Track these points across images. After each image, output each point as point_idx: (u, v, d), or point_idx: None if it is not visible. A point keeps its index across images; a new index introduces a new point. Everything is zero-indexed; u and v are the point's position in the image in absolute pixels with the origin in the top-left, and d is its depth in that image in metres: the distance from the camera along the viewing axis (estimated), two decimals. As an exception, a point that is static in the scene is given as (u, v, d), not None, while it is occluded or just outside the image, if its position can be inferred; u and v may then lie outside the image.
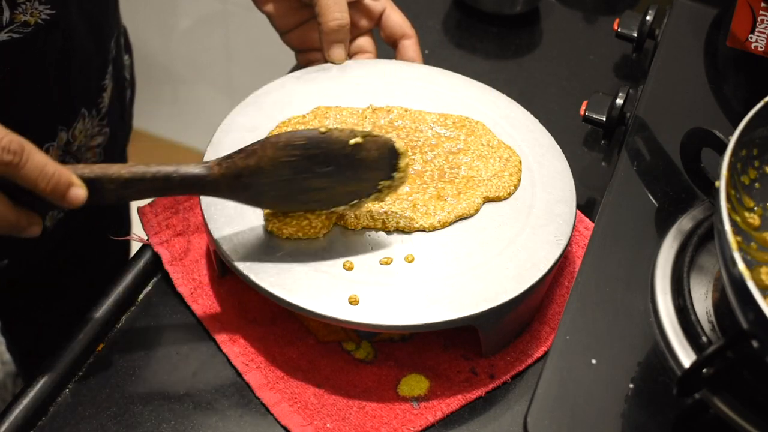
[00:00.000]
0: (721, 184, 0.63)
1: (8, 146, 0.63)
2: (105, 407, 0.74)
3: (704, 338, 0.67)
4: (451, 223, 0.77)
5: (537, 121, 0.87)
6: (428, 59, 0.99)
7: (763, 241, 0.70)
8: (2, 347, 1.76)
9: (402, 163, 0.73)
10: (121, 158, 1.16)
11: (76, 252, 1.10)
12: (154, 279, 0.82)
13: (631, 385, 0.67)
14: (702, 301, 0.71)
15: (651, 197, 0.79)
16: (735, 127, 0.67)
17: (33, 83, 0.87)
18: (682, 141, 0.76)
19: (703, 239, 0.74)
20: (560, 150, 0.84)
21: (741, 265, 0.58)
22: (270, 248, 0.74)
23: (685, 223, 0.76)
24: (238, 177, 0.71)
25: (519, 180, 0.81)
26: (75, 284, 1.11)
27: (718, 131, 0.73)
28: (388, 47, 0.93)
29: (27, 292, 1.13)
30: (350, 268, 0.73)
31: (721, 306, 0.70)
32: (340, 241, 0.75)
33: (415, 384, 0.75)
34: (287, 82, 0.87)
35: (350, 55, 0.91)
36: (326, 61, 0.89)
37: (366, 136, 0.71)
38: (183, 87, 2.22)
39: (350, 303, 0.71)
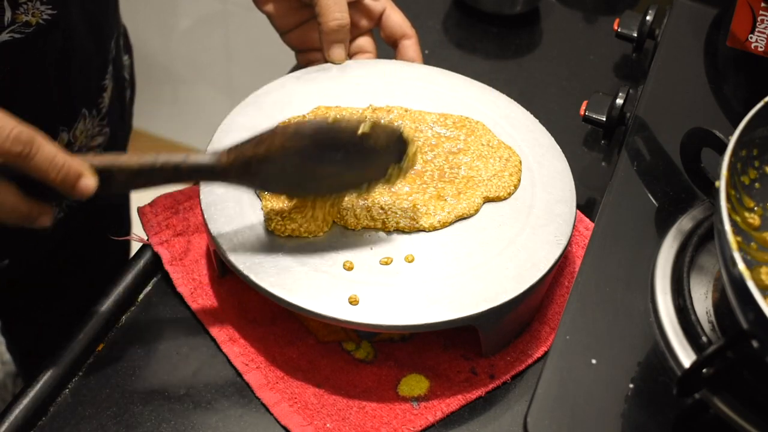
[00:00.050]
0: (721, 184, 0.63)
1: (18, 137, 0.63)
2: (105, 407, 0.74)
3: (704, 338, 0.67)
4: (451, 223, 0.77)
5: (537, 121, 0.87)
6: (428, 59, 0.99)
7: (763, 241, 0.70)
8: (2, 347, 1.76)
9: (410, 150, 0.74)
10: (122, 158, 1.16)
11: (76, 252, 1.10)
12: (154, 279, 0.82)
13: (631, 385, 0.67)
14: (702, 301, 0.71)
15: (651, 197, 0.79)
16: (735, 127, 0.67)
17: (33, 83, 0.87)
18: (682, 141, 0.76)
19: (703, 239, 0.74)
20: (560, 150, 0.84)
21: (741, 265, 0.58)
22: (270, 248, 0.74)
23: (685, 223, 0.76)
24: (247, 165, 0.72)
25: (519, 180, 0.81)
26: (75, 284, 1.11)
27: (718, 131, 0.73)
28: (388, 47, 0.93)
29: (27, 292, 1.13)
30: (350, 268, 0.74)
31: (721, 306, 0.70)
32: (340, 241, 0.75)
33: (415, 384, 0.75)
34: (287, 82, 0.88)
35: (350, 55, 0.91)
36: (326, 61, 0.89)
37: (374, 124, 0.72)
38: (183, 87, 2.22)
39: (350, 303, 0.71)
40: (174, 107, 2.25)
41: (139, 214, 0.84)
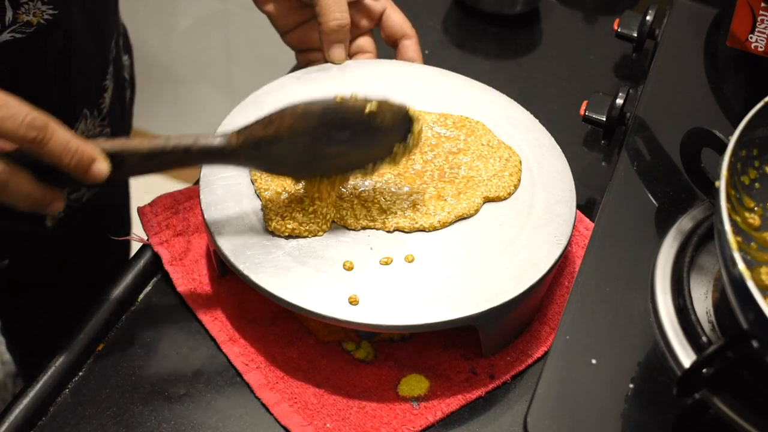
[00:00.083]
0: (721, 184, 0.63)
1: (33, 123, 0.64)
2: (105, 407, 0.74)
3: (704, 338, 0.67)
4: (451, 223, 0.77)
5: (537, 121, 0.87)
6: (428, 59, 0.99)
7: (763, 241, 0.70)
8: (2, 347, 1.76)
9: (416, 127, 0.74)
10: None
11: (76, 252, 1.10)
12: (154, 279, 0.82)
13: (631, 385, 0.67)
14: (702, 301, 0.71)
15: (651, 197, 0.79)
16: (735, 127, 0.67)
17: (34, 83, 0.87)
18: (682, 141, 0.76)
19: (703, 239, 0.74)
20: (560, 150, 0.84)
21: (741, 265, 0.58)
22: (270, 248, 0.74)
23: (685, 223, 0.76)
24: (256, 146, 0.72)
25: (519, 180, 0.81)
26: (75, 284, 1.11)
27: (718, 131, 0.73)
28: (388, 47, 0.93)
29: (27, 292, 1.13)
30: (350, 268, 0.74)
31: (721, 306, 0.70)
32: (340, 241, 0.75)
33: (415, 384, 0.75)
34: (287, 82, 0.88)
35: (350, 55, 0.91)
36: (326, 61, 0.89)
37: (381, 102, 0.73)
38: (183, 87, 2.22)
39: (350, 303, 0.71)
40: (174, 107, 2.25)
41: (139, 214, 0.84)
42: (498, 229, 0.77)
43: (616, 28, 1.00)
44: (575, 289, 0.73)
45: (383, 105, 0.73)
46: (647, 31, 0.99)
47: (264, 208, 0.76)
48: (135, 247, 0.86)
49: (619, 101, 0.90)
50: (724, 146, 0.66)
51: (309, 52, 0.93)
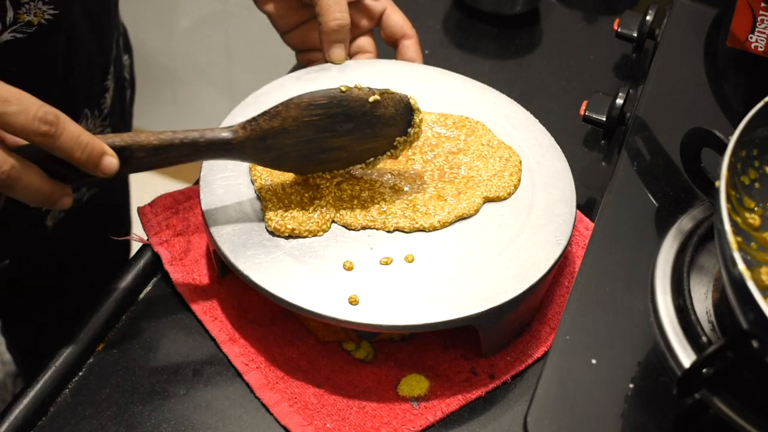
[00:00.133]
0: (721, 184, 0.63)
1: (44, 117, 0.64)
2: (105, 407, 0.74)
3: (704, 338, 0.67)
4: (451, 223, 0.77)
5: (537, 121, 0.87)
6: (428, 59, 0.99)
7: (763, 241, 0.70)
8: (2, 347, 1.76)
9: (416, 119, 0.76)
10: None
11: (76, 252, 1.10)
12: (154, 279, 0.82)
13: (631, 385, 0.67)
14: (702, 301, 0.71)
15: (651, 197, 0.79)
16: (735, 127, 0.67)
17: (36, 83, 0.87)
18: (682, 141, 0.76)
19: (703, 239, 0.74)
20: (560, 150, 0.85)
21: (741, 265, 0.58)
22: (270, 248, 0.74)
23: (685, 223, 0.76)
24: (262, 139, 0.73)
25: (519, 180, 0.81)
26: (75, 284, 1.11)
27: (718, 131, 0.73)
28: (388, 47, 0.93)
29: (27, 292, 1.13)
30: (350, 268, 0.74)
31: (721, 306, 0.70)
32: (340, 241, 0.75)
33: (415, 384, 0.75)
34: (287, 82, 0.88)
35: (350, 55, 0.92)
36: (326, 61, 0.89)
37: (384, 92, 0.74)
38: (183, 87, 2.22)
39: (350, 303, 0.71)
40: (174, 107, 2.25)
41: (139, 214, 0.84)
42: (498, 229, 0.77)
43: (616, 28, 1.00)
44: (575, 289, 0.73)
45: (386, 95, 0.75)
46: (647, 31, 0.99)
47: (264, 208, 0.76)
48: (135, 247, 0.86)
49: (619, 101, 0.90)
50: (724, 146, 0.66)
51: (309, 52, 0.93)
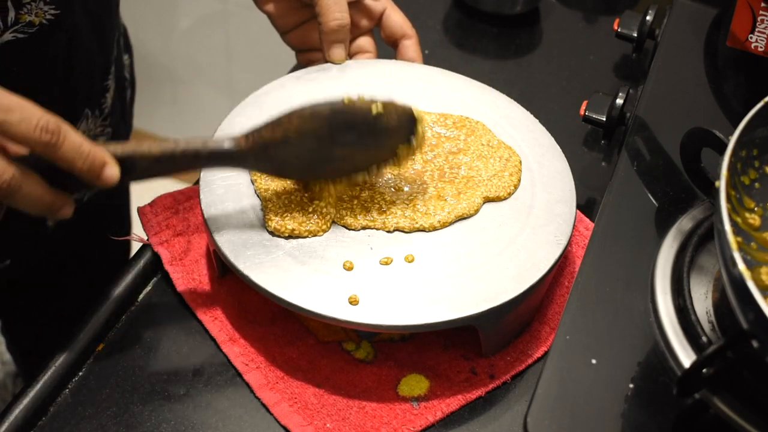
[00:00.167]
0: (721, 184, 0.63)
1: (46, 126, 0.64)
2: (105, 407, 0.74)
3: (704, 338, 0.67)
4: (451, 223, 0.77)
5: (537, 121, 0.87)
6: (428, 59, 0.99)
7: (763, 241, 0.70)
8: (2, 347, 1.76)
9: (419, 128, 0.75)
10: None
11: (76, 252, 1.10)
12: (154, 279, 0.82)
13: (631, 385, 0.67)
14: (702, 301, 0.71)
15: (651, 197, 0.79)
16: (735, 127, 0.67)
17: (37, 83, 0.87)
18: (682, 141, 0.76)
19: (703, 239, 0.74)
20: (560, 150, 0.84)
21: (741, 265, 0.58)
22: (270, 248, 0.74)
23: (685, 223, 0.76)
24: (264, 149, 0.73)
25: (519, 180, 0.81)
26: (75, 284, 1.11)
27: (718, 131, 0.73)
28: (388, 47, 0.93)
29: (27, 292, 1.13)
30: (350, 268, 0.74)
31: (721, 306, 0.70)
32: (340, 241, 0.75)
33: (415, 384, 0.75)
34: (287, 82, 0.88)
35: (350, 55, 0.91)
36: (326, 61, 0.89)
37: (387, 104, 0.74)
38: (183, 87, 2.22)
39: (350, 303, 0.71)
40: (174, 107, 2.25)
41: (139, 214, 0.84)
42: (498, 229, 0.77)
43: (616, 28, 1.00)
44: (575, 289, 0.73)
45: (389, 106, 0.74)
46: (647, 31, 0.99)
47: (264, 208, 0.76)
48: (135, 247, 0.86)
49: (619, 101, 0.90)
50: (724, 146, 0.66)
51: (309, 52, 0.93)
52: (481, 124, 0.84)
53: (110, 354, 0.77)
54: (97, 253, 1.10)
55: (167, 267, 0.81)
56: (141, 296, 0.81)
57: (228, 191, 0.78)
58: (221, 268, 0.79)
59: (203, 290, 0.80)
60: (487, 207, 0.79)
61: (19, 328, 1.27)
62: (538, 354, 0.78)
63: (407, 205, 0.77)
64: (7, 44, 0.81)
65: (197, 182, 0.81)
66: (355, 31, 0.91)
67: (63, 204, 0.69)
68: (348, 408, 0.74)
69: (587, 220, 0.87)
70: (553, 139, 0.85)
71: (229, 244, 0.74)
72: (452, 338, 0.78)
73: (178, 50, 2.15)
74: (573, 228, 0.78)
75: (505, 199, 0.79)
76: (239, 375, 0.75)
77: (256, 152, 0.73)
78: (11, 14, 0.79)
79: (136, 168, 0.70)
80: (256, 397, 0.74)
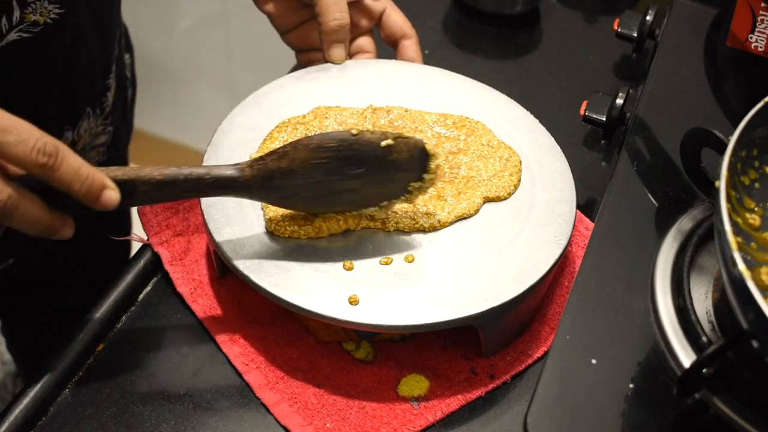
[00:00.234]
0: (721, 185, 0.63)
1: (43, 148, 0.63)
2: (105, 407, 0.74)
3: (704, 338, 0.67)
4: (451, 223, 0.77)
5: (537, 121, 0.87)
6: (428, 59, 0.99)
7: (763, 241, 0.70)
8: (2, 347, 1.76)
9: (433, 164, 0.73)
10: (124, 157, 1.16)
11: (76, 252, 1.10)
12: (154, 279, 0.82)
13: (631, 385, 0.67)
14: (702, 301, 0.71)
15: (651, 197, 0.79)
16: (735, 127, 0.67)
17: (40, 83, 0.88)
18: (682, 141, 0.76)
19: (703, 239, 0.74)
20: (560, 150, 0.84)
21: (741, 265, 0.58)
22: (270, 248, 0.74)
23: (685, 223, 0.76)
24: (269, 179, 0.71)
25: (519, 180, 0.81)
26: (75, 284, 1.11)
27: (718, 131, 0.73)
28: (388, 47, 0.93)
29: (27, 292, 1.13)
30: (350, 268, 0.74)
31: (721, 306, 0.70)
32: (340, 241, 0.75)
33: (415, 384, 0.75)
34: (287, 82, 0.88)
35: (350, 55, 0.91)
36: (326, 61, 0.89)
37: (397, 137, 0.71)
38: (183, 87, 2.22)
39: (350, 303, 0.71)
40: (174, 107, 2.25)
41: (139, 214, 0.84)
42: (498, 229, 0.77)
43: (616, 28, 1.00)
44: (575, 289, 0.73)
45: (400, 140, 0.72)
46: (647, 31, 0.99)
47: (264, 207, 0.76)
48: (135, 247, 0.86)
49: (619, 101, 0.90)
50: (724, 146, 0.66)
51: (309, 52, 0.93)
52: (481, 124, 0.84)
53: (110, 354, 0.77)
54: (97, 253, 1.10)
55: (167, 267, 0.81)
56: (141, 296, 0.81)
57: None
58: (221, 268, 0.79)
59: (203, 290, 0.80)
60: (487, 207, 0.79)
61: (19, 328, 1.27)
62: (538, 354, 0.78)
63: (407, 205, 0.77)
64: (13, 43, 0.81)
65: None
66: (355, 31, 0.91)
67: (62, 225, 0.68)
68: (348, 408, 0.74)
69: (587, 220, 0.87)
70: (553, 139, 0.85)
71: (229, 244, 0.74)
72: (452, 338, 0.78)
73: (178, 50, 2.15)
74: (573, 228, 0.78)
75: (505, 199, 0.79)
76: (239, 375, 0.75)
77: (260, 181, 0.71)
78: (16, 13, 0.79)
79: (136, 192, 0.69)
80: (256, 397, 0.74)
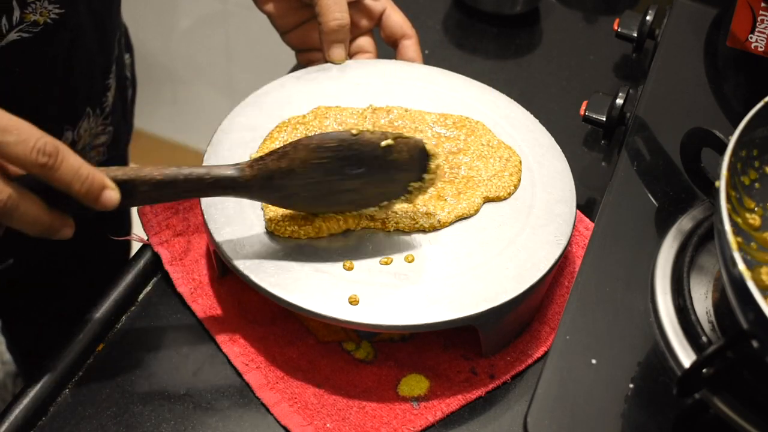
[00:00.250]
0: (721, 185, 0.63)
1: (43, 148, 0.63)
2: (105, 407, 0.74)
3: (704, 338, 0.67)
4: (451, 223, 0.77)
5: (537, 121, 0.87)
6: (428, 59, 0.99)
7: (763, 241, 0.70)
8: (2, 347, 1.76)
9: (433, 164, 0.73)
10: (124, 157, 1.16)
11: (76, 252, 1.10)
12: (154, 279, 0.82)
13: (631, 385, 0.67)
14: (702, 301, 0.71)
15: (651, 197, 0.79)
16: (735, 127, 0.67)
17: (40, 83, 0.87)
18: (682, 141, 0.76)
19: (703, 239, 0.74)
20: (560, 150, 0.84)
21: (741, 265, 0.58)
22: (270, 248, 0.74)
23: (685, 223, 0.76)
24: (269, 179, 0.71)
25: (519, 180, 0.81)
26: (75, 284, 1.11)
27: (718, 131, 0.73)
28: (388, 47, 0.93)
29: (27, 292, 1.13)
30: (350, 268, 0.74)
31: (721, 306, 0.70)
32: (340, 241, 0.75)
33: (415, 384, 0.75)
34: (287, 82, 0.88)
35: (350, 55, 0.91)
36: (326, 61, 0.89)
37: (397, 137, 0.71)
38: (183, 87, 2.22)
39: (350, 303, 0.71)
40: (174, 107, 2.25)
41: (139, 214, 0.84)
42: (498, 229, 0.77)
43: (616, 28, 1.00)
44: (575, 289, 0.73)
45: (400, 140, 0.72)
46: (647, 31, 0.99)
47: (264, 207, 0.76)
48: (135, 247, 0.86)
49: (619, 101, 0.90)
50: (724, 146, 0.66)
51: (309, 52, 0.93)
52: (481, 124, 0.84)
53: (110, 354, 0.77)
54: (97, 253, 1.10)
55: (167, 267, 0.81)
56: (141, 296, 0.81)
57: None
58: (221, 268, 0.79)
59: (203, 290, 0.80)
60: (487, 207, 0.79)
61: (19, 328, 1.27)
62: (538, 354, 0.78)
63: (407, 205, 0.77)
64: (13, 44, 0.81)
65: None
66: (355, 31, 0.91)
67: (62, 225, 0.68)
68: (348, 408, 0.74)
69: (587, 220, 0.87)
70: (553, 139, 0.85)
71: (229, 244, 0.74)
72: (452, 338, 0.78)
73: (178, 50, 2.15)
74: (573, 228, 0.78)
75: (505, 199, 0.79)
76: (239, 375, 0.75)
77: (260, 181, 0.71)
78: (16, 13, 0.79)
79: (136, 192, 0.69)
80: (256, 397, 0.74)
